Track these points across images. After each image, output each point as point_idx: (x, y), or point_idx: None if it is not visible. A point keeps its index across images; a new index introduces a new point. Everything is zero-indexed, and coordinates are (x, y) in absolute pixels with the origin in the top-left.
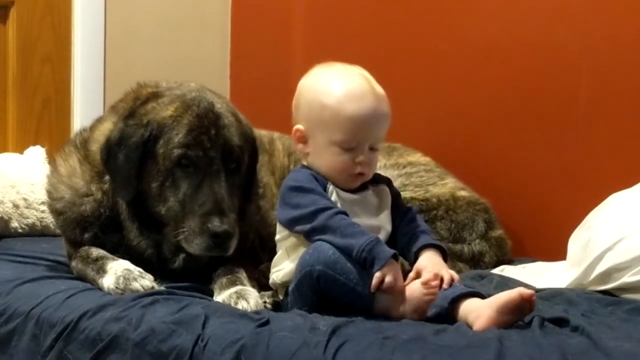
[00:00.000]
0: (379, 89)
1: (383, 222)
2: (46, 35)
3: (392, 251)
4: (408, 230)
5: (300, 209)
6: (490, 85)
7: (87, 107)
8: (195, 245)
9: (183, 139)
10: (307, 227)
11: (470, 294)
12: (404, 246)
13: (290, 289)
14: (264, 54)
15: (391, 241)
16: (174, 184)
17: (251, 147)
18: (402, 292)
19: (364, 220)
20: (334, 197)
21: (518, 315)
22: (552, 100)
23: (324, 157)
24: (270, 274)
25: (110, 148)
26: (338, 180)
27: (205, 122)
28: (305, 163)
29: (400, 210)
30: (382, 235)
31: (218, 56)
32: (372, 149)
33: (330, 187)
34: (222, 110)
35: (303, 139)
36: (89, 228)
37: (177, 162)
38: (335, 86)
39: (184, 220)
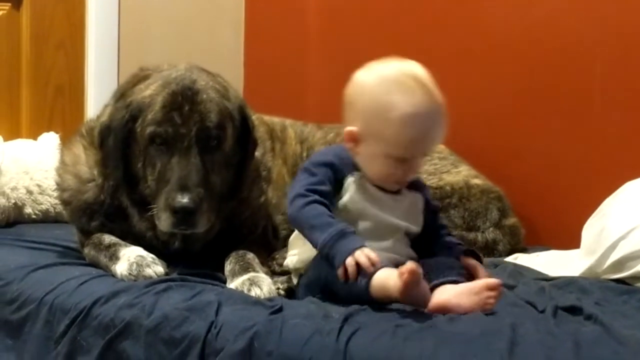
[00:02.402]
0: (438, 97)
1: (409, 223)
2: (60, 22)
3: (354, 246)
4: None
5: (291, 190)
6: (505, 74)
7: (100, 93)
8: (163, 222)
9: (154, 116)
10: (288, 212)
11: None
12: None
13: (301, 282)
14: (279, 41)
15: (416, 242)
16: (151, 162)
17: (240, 125)
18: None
19: (385, 216)
20: (352, 189)
21: (475, 299)
22: (566, 89)
23: (375, 164)
24: (287, 255)
25: (102, 131)
26: (382, 184)
27: (179, 98)
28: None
29: (436, 226)
30: (399, 236)
31: (232, 43)
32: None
33: (351, 178)
34: (203, 86)
35: (355, 141)
36: (95, 216)
37: (150, 140)
38: (401, 101)
39: (156, 198)
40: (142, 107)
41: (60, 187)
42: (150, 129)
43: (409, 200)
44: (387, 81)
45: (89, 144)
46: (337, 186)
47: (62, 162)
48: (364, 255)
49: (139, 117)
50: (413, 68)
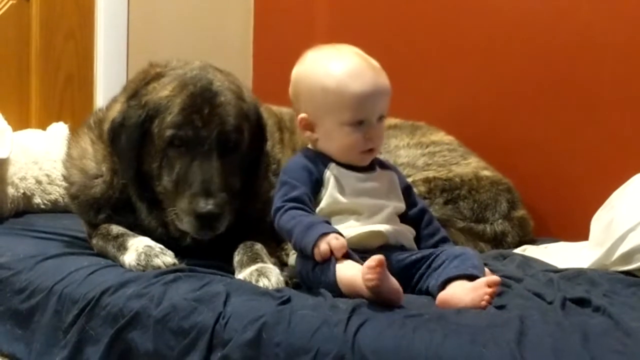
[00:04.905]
0: (375, 63)
1: (391, 201)
2: (70, 11)
3: (319, 233)
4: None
5: (273, 205)
6: (514, 64)
7: (110, 83)
8: (185, 225)
9: (174, 119)
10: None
11: (463, 276)
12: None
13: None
14: (287, 32)
15: (405, 220)
16: (169, 164)
17: (255, 125)
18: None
19: (369, 200)
20: (332, 183)
21: (473, 295)
22: (576, 81)
23: (334, 139)
24: (290, 254)
25: (114, 129)
26: (350, 159)
27: (198, 100)
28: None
29: (417, 210)
30: (389, 210)
31: (242, 33)
32: (379, 119)
33: (328, 172)
34: (220, 88)
35: (310, 127)
36: (102, 210)
37: (169, 142)
38: (332, 68)
39: (176, 200)
40: (160, 108)
41: (67, 181)
42: (170, 132)
43: (387, 177)
44: (315, 60)
45: (97, 137)
46: (318, 183)
47: (69, 155)
48: (324, 243)
49: (156, 117)
50: (341, 44)
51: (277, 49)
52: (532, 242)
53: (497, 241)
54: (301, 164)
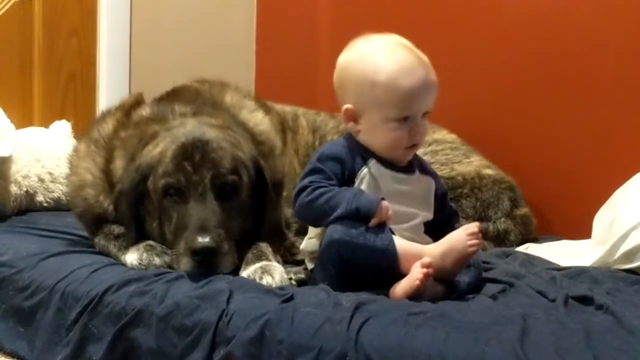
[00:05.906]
0: (424, 57)
1: (422, 210)
2: (72, 9)
3: (377, 197)
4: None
5: (298, 183)
6: (516, 62)
7: (112, 81)
8: (183, 265)
9: (166, 169)
10: (295, 206)
11: None
12: None
13: (316, 263)
14: (290, 29)
15: (429, 228)
16: (167, 215)
17: (256, 178)
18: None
19: (400, 207)
20: (366, 182)
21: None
22: (579, 79)
23: (378, 134)
24: (304, 239)
25: (117, 198)
26: (393, 154)
27: (189, 149)
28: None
29: (446, 213)
30: (418, 221)
31: (244, 31)
32: (424, 115)
33: (365, 170)
34: (213, 137)
35: (353, 117)
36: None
37: (164, 193)
38: (383, 62)
39: (174, 245)
40: (152, 164)
41: (71, 202)
42: (162, 181)
43: (424, 184)
44: (368, 50)
45: (99, 170)
46: (349, 179)
47: (69, 180)
48: (385, 208)
49: (149, 175)
50: (391, 35)
51: (279, 47)
52: (535, 240)
53: (500, 239)
54: (336, 152)
